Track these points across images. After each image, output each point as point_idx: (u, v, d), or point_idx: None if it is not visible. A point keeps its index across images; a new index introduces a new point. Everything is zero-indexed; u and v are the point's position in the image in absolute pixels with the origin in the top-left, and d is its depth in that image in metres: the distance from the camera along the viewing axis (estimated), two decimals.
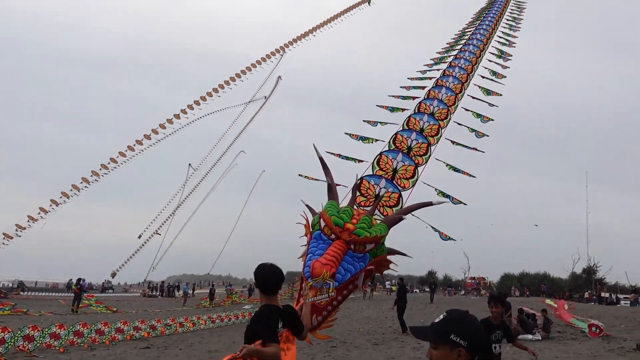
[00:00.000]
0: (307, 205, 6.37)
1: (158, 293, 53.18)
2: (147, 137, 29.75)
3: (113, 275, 51.76)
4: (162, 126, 29.89)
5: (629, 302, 43.06)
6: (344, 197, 6.77)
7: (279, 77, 53.67)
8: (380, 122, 9.74)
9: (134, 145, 29.20)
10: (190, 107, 29.48)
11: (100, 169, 28.76)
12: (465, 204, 8.03)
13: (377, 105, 10.31)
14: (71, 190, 27.24)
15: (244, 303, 36.03)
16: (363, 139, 9.27)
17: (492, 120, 10.57)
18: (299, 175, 8.32)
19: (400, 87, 11.86)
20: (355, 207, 6.51)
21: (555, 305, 27.18)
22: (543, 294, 47.77)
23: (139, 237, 49.66)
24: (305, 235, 6.12)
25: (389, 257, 6.22)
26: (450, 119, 10.20)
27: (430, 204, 6.88)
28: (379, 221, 6.26)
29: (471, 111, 10.77)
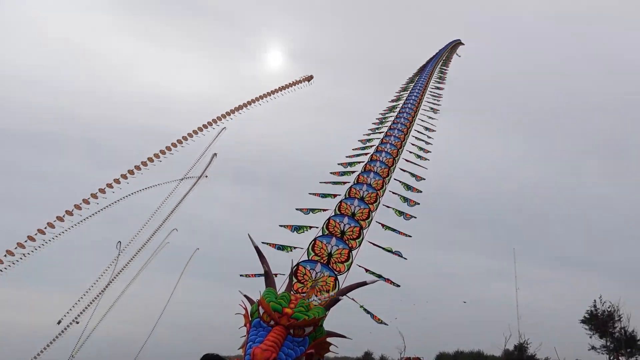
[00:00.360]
0: (245, 296, 6.35)
1: None
2: (70, 213, 28.27)
3: None
4: (86, 201, 28.60)
5: None
6: (282, 285, 6.84)
7: (215, 154, 53.40)
8: (313, 210, 9.93)
9: (55, 221, 27.61)
10: (117, 181, 28.53)
11: (16, 248, 26.72)
12: (398, 285, 8.21)
13: (280, 226, 10.05)
14: None
15: None
16: (297, 228, 9.33)
17: (418, 203, 10.99)
18: (240, 275, 8.26)
19: (331, 172, 12.16)
20: (292, 292, 6.56)
21: None
22: None
23: (59, 322, 45.83)
24: (245, 325, 6.08)
25: (328, 339, 6.24)
26: (379, 202, 10.55)
27: (364, 283, 7.07)
28: (316, 304, 6.29)
29: (398, 194, 11.14)
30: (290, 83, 38.20)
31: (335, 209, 9.73)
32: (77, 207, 29.15)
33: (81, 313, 44.89)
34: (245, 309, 6.23)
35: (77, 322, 43.06)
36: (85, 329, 49.56)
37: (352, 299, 7.39)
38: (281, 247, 8.52)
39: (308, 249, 8.34)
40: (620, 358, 47.45)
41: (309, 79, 41.26)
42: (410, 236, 9.72)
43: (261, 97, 35.16)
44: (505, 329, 75.72)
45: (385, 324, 7.88)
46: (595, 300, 58.12)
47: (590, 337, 57.19)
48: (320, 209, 9.90)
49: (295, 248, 8.47)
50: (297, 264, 7.72)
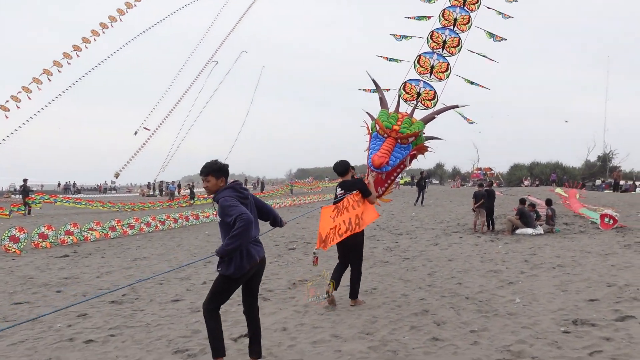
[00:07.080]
0: (367, 113, 8.50)
1: (157, 192, 52.61)
2: (112, 19, 26.56)
3: (116, 176, 50.75)
4: None
5: None
6: (392, 102, 8.64)
7: None
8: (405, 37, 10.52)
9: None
10: None
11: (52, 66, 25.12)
12: (476, 123, 9.23)
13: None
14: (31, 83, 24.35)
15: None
16: (392, 59, 10.21)
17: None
18: (358, 89, 9.72)
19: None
20: (399, 111, 8.43)
21: (566, 195, 25.28)
22: (553, 183, 46.13)
23: (135, 133, 47.99)
24: (368, 134, 8.28)
25: (426, 143, 8.25)
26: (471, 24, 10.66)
27: (456, 106, 8.65)
28: (418, 119, 8.24)
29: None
30: None
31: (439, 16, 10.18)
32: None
33: (159, 126, 46.19)
34: (367, 125, 8.28)
35: (147, 129, 44.28)
36: (174, 143, 52.09)
37: (447, 107, 8.60)
38: (392, 59, 9.97)
39: (414, 62, 9.46)
40: None
41: None
42: (506, 38, 9.83)
43: None
44: (589, 141, 71.81)
45: (475, 122, 9.05)
46: None
47: None
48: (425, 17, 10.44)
49: (402, 61, 9.76)
50: (404, 82, 9.16)
